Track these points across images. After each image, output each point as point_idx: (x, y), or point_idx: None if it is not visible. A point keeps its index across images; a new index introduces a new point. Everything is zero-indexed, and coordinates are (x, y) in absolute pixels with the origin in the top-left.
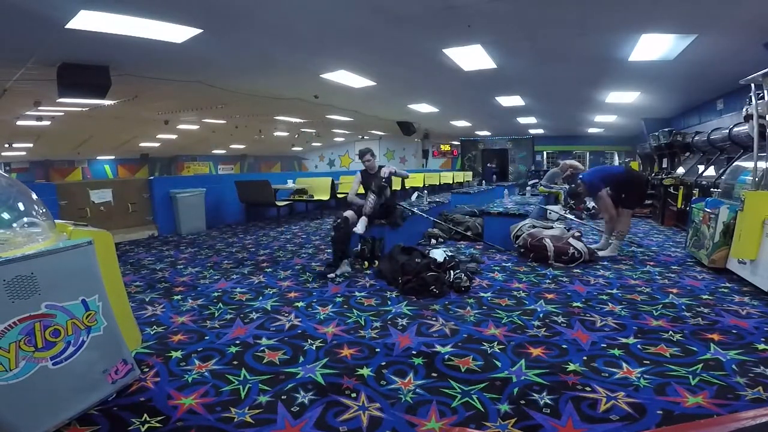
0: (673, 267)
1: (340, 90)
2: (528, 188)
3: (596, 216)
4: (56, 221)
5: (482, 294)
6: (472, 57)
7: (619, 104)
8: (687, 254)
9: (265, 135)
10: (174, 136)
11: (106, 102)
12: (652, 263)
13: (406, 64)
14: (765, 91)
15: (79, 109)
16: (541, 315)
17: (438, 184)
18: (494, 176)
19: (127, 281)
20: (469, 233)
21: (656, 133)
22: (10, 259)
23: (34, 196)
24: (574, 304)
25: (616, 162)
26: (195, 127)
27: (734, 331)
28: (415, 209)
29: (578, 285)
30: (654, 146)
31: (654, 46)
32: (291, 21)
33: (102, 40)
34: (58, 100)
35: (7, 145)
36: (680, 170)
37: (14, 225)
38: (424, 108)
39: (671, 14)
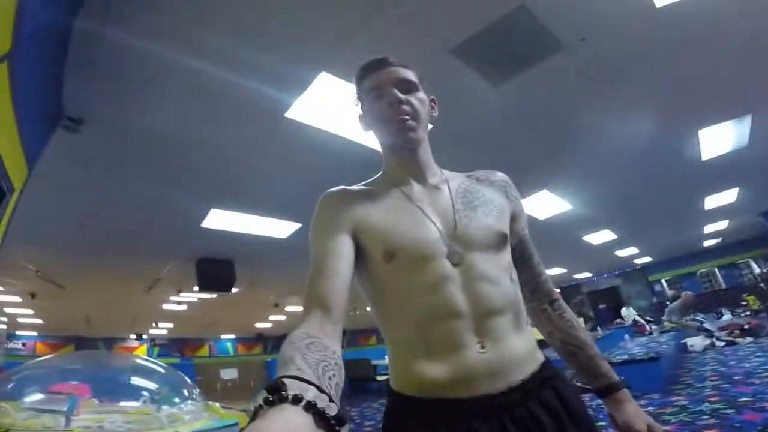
0: None
1: None
2: (664, 318)
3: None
4: (209, 403)
5: None
6: (543, 203)
7: (722, 207)
8: None
9: (360, 312)
10: (283, 317)
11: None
12: None
13: None
14: None
15: (209, 296)
16: None
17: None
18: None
19: None
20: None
21: None
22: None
23: (189, 381)
24: None
25: (756, 271)
26: (300, 308)
27: None
28: None
29: (748, 414)
30: None
31: (718, 139)
32: None
33: (227, 236)
34: (195, 290)
35: (154, 325)
36: None
37: (180, 406)
38: (514, 196)
39: (710, 104)
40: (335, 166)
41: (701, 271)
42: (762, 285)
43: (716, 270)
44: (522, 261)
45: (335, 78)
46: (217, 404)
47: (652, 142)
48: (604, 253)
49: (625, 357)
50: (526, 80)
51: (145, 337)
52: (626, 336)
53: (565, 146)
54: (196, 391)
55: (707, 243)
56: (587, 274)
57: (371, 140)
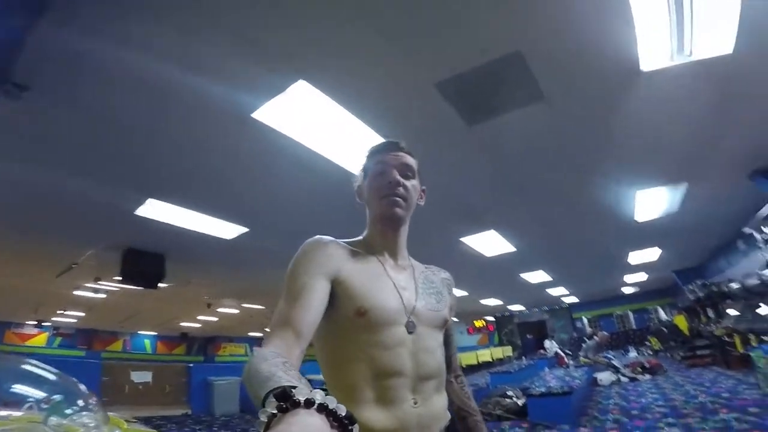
0: (751, 409)
1: None
2: (581, 354)
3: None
4: (110, 414)
5: None
6: (490, 243)
7: (644, 263)
8: (764, 395)
9: None
10: (214, 319)
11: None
12: (725, 410)
13: (428, 255)
14: None
15: (134, 287)
16: None
17: (476, 363)
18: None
19: None
20: (512, 416)
21: (691, 287)
22: None
23: (85, 389)
24: None
25: (662, 318)
26: (235, 311)
27: None
28: None
29: None
30: (693, 299)
31: (654, 203)
32: (325, 224)
33: (163, 229)
34: (118, 282)
35: (60, 312)
36: (732, 312)
37: (73, 417)
38: (453, 292)
39: (652, 167)
40: (295, 175)
41: (617, 313)
42: (664, 329)
43: (630, 312)
44: (445, 342)
45: (313, 88)
46: (121, 416)
47: (598, 199)
48: (538, 291)
49: (543, 390)
50: (499, 124)
51: (47, 324)
52: (546, 368)
53: (519, 192)
54: (94, 400)
55: (626, 290)
56: (520, 307)
57: (336, 155)
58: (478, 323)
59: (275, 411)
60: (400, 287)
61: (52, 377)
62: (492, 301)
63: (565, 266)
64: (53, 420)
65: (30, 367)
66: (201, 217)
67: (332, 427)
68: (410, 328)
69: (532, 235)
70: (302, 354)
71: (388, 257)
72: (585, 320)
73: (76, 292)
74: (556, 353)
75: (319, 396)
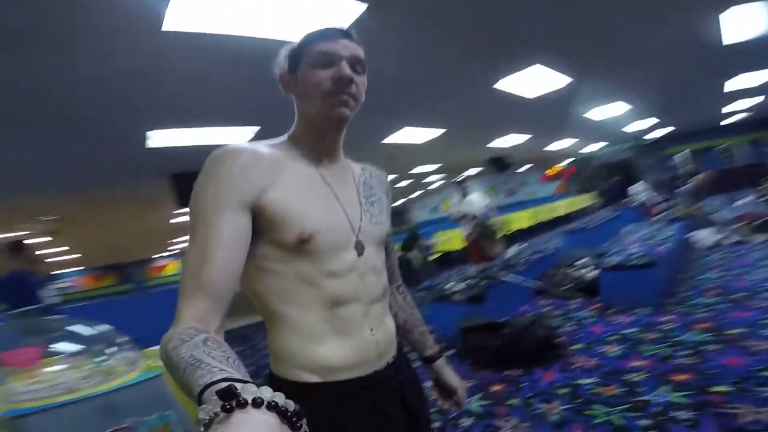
0: None
1: (406, 149)
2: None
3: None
4: (146, 350)
5: (581, 380)
6: (534, 80)
7: (759, 86)
8: None
9: None
10: None
11: None
12: None
13: (459, 111)
14: None
15: None
16: (654, 410)
17: (550, 219)
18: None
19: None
20: (579, 294)
21: None
22: (108, 391)
23: (120, 334)
24: (714, 389)
25: None
26: None
27: None
28: (507, 277)
29: (731, 357)
30: None
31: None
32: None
33: (186, 152)
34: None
35: (170, 241)
36: None
37: (109, 360)
38: (512, 140)
39: None
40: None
41: (721, 147)
42: None
43: (737, 146)
44: (386, 252)
45: None
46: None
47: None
48: (616, 126)
49: (618, 260)
50: None
51: (167, 254)
52: (630, 225)
53: (567, 11)
54: (127, 343)
55: (729, 108)
56: (600, 144)
57: (259, 31)
58: (552, 170)
59: (218, 410)
60: (344, 201)
61: (89, 330)
62: (563, 144)
63: (644, 89)
64: (94, 361)
65: (72, 326)
66: (207, 131)
67: (281, 423)
68: (359, 249)
69: (594, 59)
70: (224, 319)
71: (326, 162)
72: (681, 157)
73: (172, 221)
74: (643, 203)
75: (267, 394)
